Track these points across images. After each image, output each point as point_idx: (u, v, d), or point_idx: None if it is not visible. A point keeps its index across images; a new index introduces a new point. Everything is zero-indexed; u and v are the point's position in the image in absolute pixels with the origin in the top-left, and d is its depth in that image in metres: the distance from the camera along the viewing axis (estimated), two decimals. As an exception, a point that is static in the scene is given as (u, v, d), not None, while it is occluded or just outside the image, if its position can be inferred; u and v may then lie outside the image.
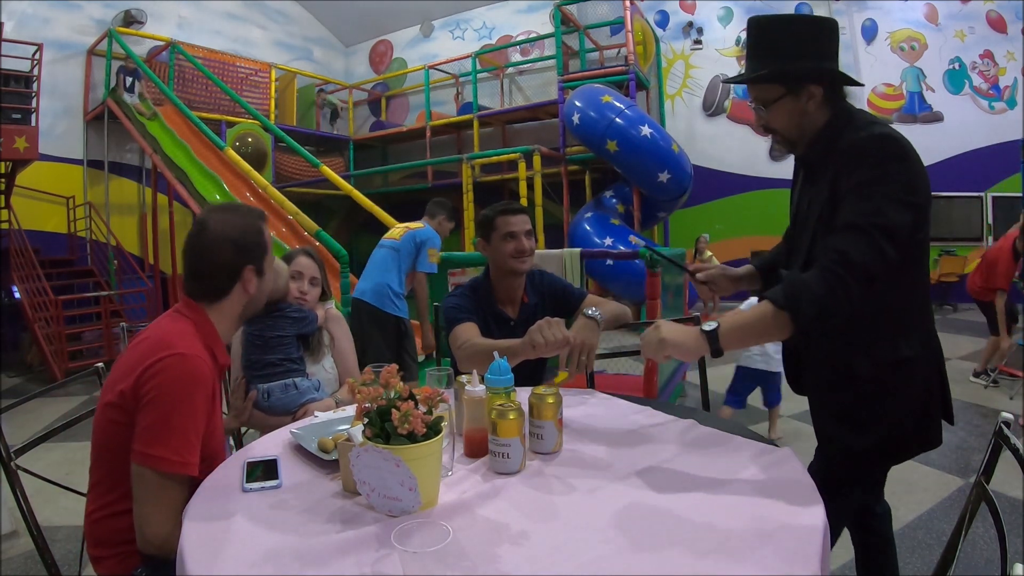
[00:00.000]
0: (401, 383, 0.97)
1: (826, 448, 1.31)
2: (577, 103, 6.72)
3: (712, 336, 1.12)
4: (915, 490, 2.60)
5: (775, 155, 8.22)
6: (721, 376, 4.85)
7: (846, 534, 1.46)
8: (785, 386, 1.55)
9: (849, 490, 1.27)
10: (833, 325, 1.10)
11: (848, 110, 1.24)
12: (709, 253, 7.45)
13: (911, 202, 1.10)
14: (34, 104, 6.45)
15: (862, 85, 1.47)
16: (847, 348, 1.22)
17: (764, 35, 1.26)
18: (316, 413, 1.45)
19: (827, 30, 1.24)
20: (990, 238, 7.73)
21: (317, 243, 5.19)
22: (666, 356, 1.16)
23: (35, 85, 6.53)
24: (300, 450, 1.21)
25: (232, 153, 6.19)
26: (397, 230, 3.61)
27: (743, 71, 1.30)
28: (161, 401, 1.04)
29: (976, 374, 4.45)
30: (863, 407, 1.22)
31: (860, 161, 1.13)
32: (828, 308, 1.07)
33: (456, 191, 7.49)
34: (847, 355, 1.22)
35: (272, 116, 8.90)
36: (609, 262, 6.49)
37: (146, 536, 1.02)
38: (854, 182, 1.13)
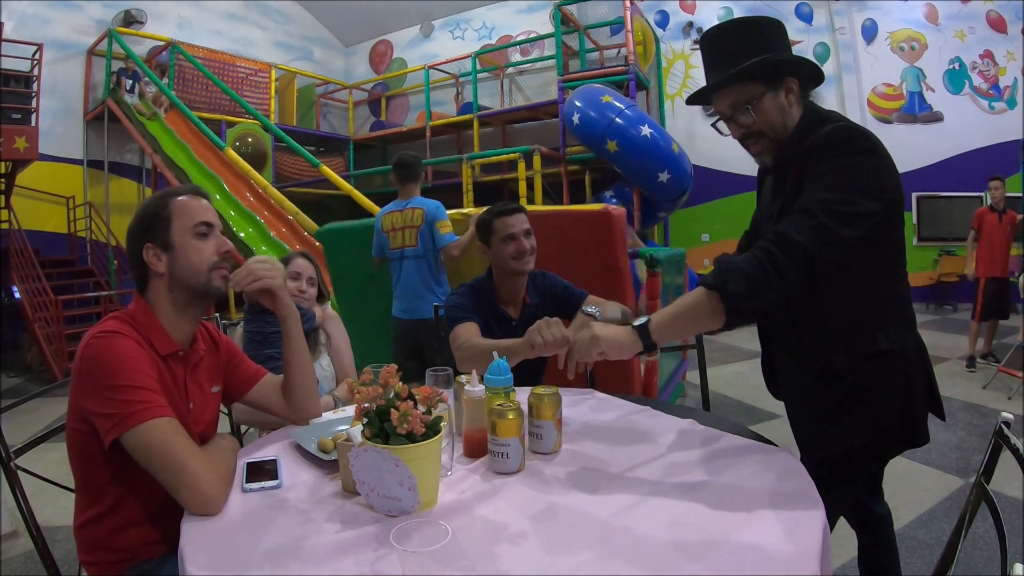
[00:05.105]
0: (400, 383, 0.97)
1: (808, 454, 1.26)
2: (577, 103, 6.71)
3: (643, 331, 1.10)
4: (915, 490, 2.60)
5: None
6: (721, 376, 4.86)
7: (844, 536, 1.46)
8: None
9: (838, 489, 1.25)
10: (766, 304, 1.07)
11: (817, 108, 1.22)
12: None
13: (874, 194, 1.07)
14: (34, 104, 6.46)
15: (823, 80, 1.50)
16: (824, 343, 1.19)
17: (723, 42, 1.23)
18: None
19: (779, 28, 1.23)
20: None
21: (317, 243, 5.18)
22: (600, 353, 1.14)
23: (35, 85, 6.54)
24: (300, 450, 1.21)
25: (232, 153, 6.20)
26: (406, 234, 3.10)
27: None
28: (94, 374, 1.02)
29: (983, 356, 4.70)
30: (843, 404, 1.18)
31: (824, 153, 1.10)
32: (756, 284, 1.04)
33: (456, 191, 7.49)
34: (824, 351, 1.18)
35: (272, 116, 8.90)
36: (609, 262, 6.48)
37: (192, 503, 0.96)
38: (816, 173, 1.10)
